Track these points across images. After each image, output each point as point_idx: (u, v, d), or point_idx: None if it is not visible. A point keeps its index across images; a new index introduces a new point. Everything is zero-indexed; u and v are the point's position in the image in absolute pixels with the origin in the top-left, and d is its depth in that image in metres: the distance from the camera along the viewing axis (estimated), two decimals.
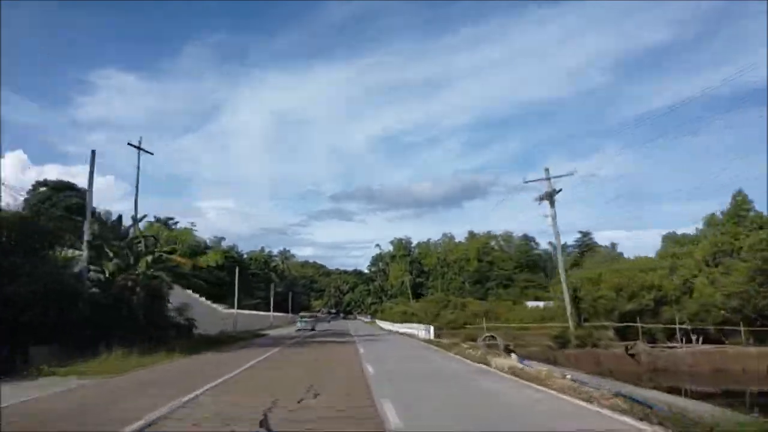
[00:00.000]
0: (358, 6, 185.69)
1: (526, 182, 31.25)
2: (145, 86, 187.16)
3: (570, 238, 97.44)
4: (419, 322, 55.51)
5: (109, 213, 39.56)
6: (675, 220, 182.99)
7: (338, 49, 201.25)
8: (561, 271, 32.87)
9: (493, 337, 29.48)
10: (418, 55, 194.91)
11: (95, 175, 23.05)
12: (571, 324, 30.69)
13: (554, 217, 30.37)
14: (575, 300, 34.05)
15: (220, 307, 50.00)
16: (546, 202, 30.69)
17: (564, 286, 31.79)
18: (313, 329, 55.36)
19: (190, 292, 39.72)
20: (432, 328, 36.41)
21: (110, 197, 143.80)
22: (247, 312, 64.31)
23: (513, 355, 19.55)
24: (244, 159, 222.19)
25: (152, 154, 30.49)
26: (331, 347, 27.21)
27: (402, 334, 45.58)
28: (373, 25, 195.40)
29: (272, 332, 51.68)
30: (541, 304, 58.93)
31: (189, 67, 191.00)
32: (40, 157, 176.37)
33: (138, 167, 28.47)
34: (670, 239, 49.38)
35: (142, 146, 28.75)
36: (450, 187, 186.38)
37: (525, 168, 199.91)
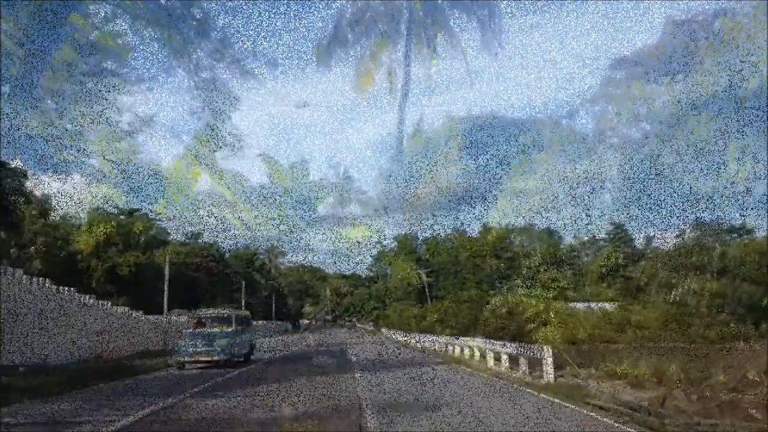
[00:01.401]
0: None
1: None
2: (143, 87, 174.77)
3: (601, 231, 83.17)
4: (439, 332, 38.69)
5: None
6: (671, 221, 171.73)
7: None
8: None
9: None
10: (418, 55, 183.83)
11: None
12: None
13: None
14: None
15: (139, 314, 33.26)
16: None
17: None
18: (230, 359, 21.85)
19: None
20: (550, 352, 15.63)
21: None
22: None
23: None
24: (242, 161, 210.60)
25: None
26: None
27: (456, 360, 24.47)
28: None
29: None
30: (611, 305, 41.84)
31: (188, 68, 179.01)
32: (37, 165, 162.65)
33: None
34: None
35: None
36: (450, 188, 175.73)
37: (525, 169, 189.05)
